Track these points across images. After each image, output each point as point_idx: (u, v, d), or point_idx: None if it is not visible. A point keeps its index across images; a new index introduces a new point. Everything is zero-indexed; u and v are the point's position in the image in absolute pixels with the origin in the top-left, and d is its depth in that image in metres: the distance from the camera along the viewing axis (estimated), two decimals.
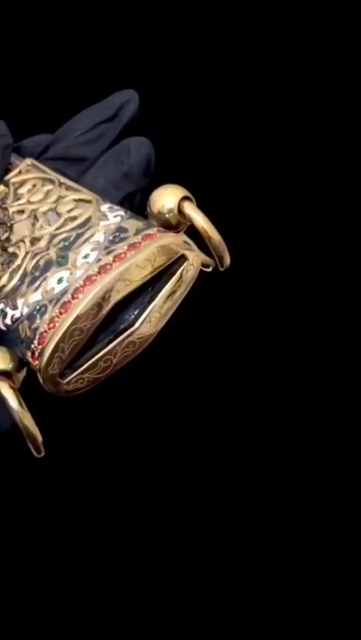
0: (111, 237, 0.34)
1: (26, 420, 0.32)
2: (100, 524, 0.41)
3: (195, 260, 0.33)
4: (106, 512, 0.41)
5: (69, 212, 0.36)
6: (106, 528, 0.40)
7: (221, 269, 0.35)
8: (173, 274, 0.33)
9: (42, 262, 0.35)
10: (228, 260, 0.34)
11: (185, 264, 0.33)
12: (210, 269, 0.36)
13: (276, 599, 0.39)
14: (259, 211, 0.44)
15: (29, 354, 0.33)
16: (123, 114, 0.41)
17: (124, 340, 0.33)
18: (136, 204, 0.39)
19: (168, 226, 0.34)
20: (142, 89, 0.42)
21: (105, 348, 0.33)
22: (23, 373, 0.34)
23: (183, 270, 0.33)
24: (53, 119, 0.43)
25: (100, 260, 0.33)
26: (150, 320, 0.33)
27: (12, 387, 0.33)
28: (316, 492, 0.41)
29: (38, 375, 0.33)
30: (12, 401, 0.32)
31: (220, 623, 0.39)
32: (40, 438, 0.33)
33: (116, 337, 0.33)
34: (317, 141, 0.47)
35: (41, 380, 0.32)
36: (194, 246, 0.33)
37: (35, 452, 0.33)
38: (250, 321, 0.43)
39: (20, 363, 0.34)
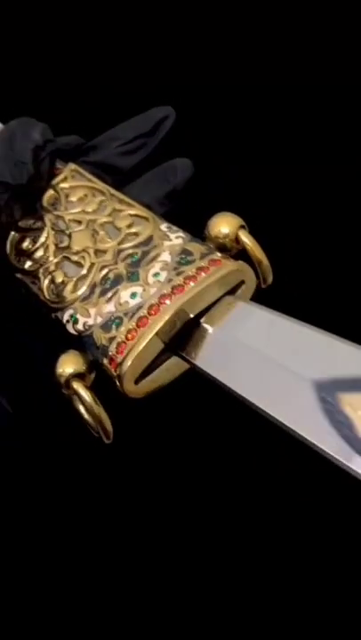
0: (178, 259, 0.38)
1: (101, 414, 0.37)
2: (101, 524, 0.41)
3: (252, 283, 0.39)
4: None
5: (129, 227, 0.40)
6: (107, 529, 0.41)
7: (264, 286, 0.40)
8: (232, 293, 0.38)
9: (111, 275, 0.39)
10: (270, 280, 0.40)
11: (243, 286, 0.38)
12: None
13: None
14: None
15: (106, 360, 0.37)
16: (160, 129, 0.45)
17: None
18: None
19: (222, 249, 0.39)
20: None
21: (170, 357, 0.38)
22: (93, 374, 0.38)
23: (240, 291, 0.38)
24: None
25: (170, 280, 0.37)
26: None
27: (86, 386, 0.37)
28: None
29: (115, 379, 0.37)
30: (88, 398, 0.37)
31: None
32: (111, 429, 0.37)
33: None
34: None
35: (119, 384, 0.37)
36: (251, 272, 0.38)
37: (105, 440, 0.38)
38: None
39: (91, 365, 0.38)
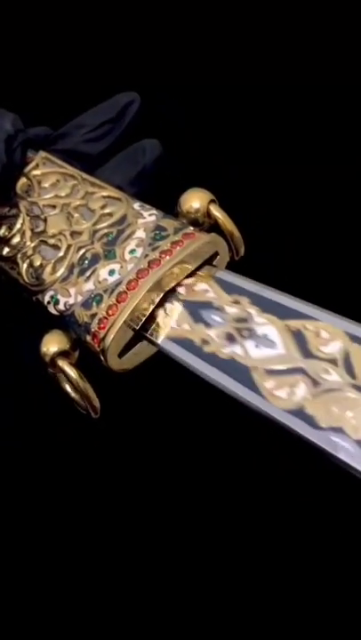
0: (152, 235, 0.39)
1: (88, 389, 0.38)
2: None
3: (225, 254, 0.40)
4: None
5: (102, 208, 0.41)
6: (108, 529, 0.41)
7: (236, 259, 0.41)
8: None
9: (88, 255, 0.40)
10: (242, 252, 0.41)
11: (217, 258, 0.40)
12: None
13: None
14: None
15: (89, 337, 0.38)
16: (126, 115, 0.46)
17: None
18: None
19: (195, 223, 0.40)
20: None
21: None
22: (77, 352, 0.39)
23: (216, 262, 0.40)
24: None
25: (147, 255, 0.38)
26: None
27: (71, 363, 0.38)
28: None
29: (100, 355, 0.38)
30: (74, 375, 0.38)
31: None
32: (98, 404, 0.39)
33: None
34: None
35: (103, 359, 0.38)
36: (224, 243, 0.40)
37: (92, 414, 0.39)
38: None
39: (75, 343, 0.39)
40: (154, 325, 0.38)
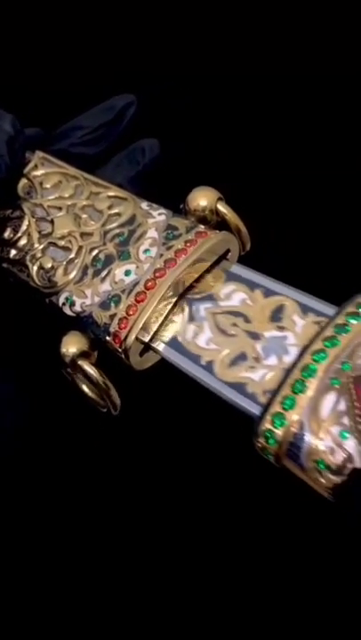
0: (165, 234, 0.40)
1: (110, 388, 0.39)
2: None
3: (236, 251, 0.41)
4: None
5: (109, 208, 0.42)
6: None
7: (243, 253, 0.42)
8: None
9: (102, 256, 0.40)
10: (248, 247, 0.42)
11: (229, 255, 0.41)
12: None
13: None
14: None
15: (110, 337, 0.39)
16: (123, 117, 0.46)
17: None
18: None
19: (203, 221, 0.41)
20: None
21: None
22: (96, 352, 0.40)
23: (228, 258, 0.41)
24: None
25: (162, 254, 0.39)
26: None
27: (92, 363, 0.39)
28: None
29: (122, 355, 0.39)
30: (95, 373, 0.39)
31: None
32: (119, 401, 0.39)
33: None
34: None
35: (125, 358, 0.39)
36: (235, 240, 0.41)
37: (113, 412, 0.40)
38: None
39: (93, 343, 0.40)
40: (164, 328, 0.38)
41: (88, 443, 0.44)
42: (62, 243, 0.42)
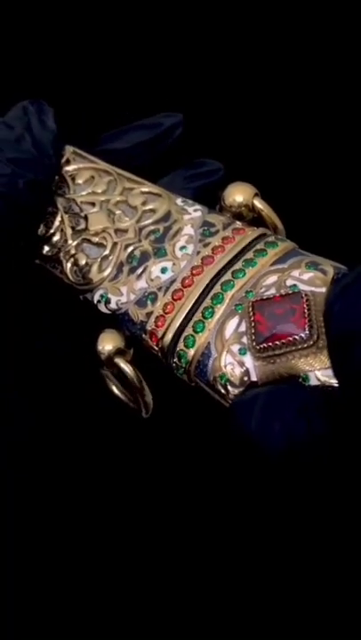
0: (201, 231, 0.39)
1: (144, 387, 0.39)
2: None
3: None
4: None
5: (143, 204, 0.41)
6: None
7: None
8: None
9: (137, 253, 0.40)
10: None
11: None
12: None
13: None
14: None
15: (146, 335, 0.38)
16: (169, 137, 0.45)
17: None
18: None
19: (239, 217, 0.41)
20: None
21: None
22: (132, 350, 0.40)
23: None
24: None
25: (199, 252, 0.39)
26: None
27: (128, 360, 0.39)
28: None
29: (158, 353, 0.38)
30: (130, 371, 0.38)
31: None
32: (151, 402, 0.39)
33: None
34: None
35: (162, 357, 0.38)
36: (273, 236, 0.40)
37: (144, 413, 0.39)
38: None
39: (129, 341, 0.39)
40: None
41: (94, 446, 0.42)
42: (96, 239, 0.41)
